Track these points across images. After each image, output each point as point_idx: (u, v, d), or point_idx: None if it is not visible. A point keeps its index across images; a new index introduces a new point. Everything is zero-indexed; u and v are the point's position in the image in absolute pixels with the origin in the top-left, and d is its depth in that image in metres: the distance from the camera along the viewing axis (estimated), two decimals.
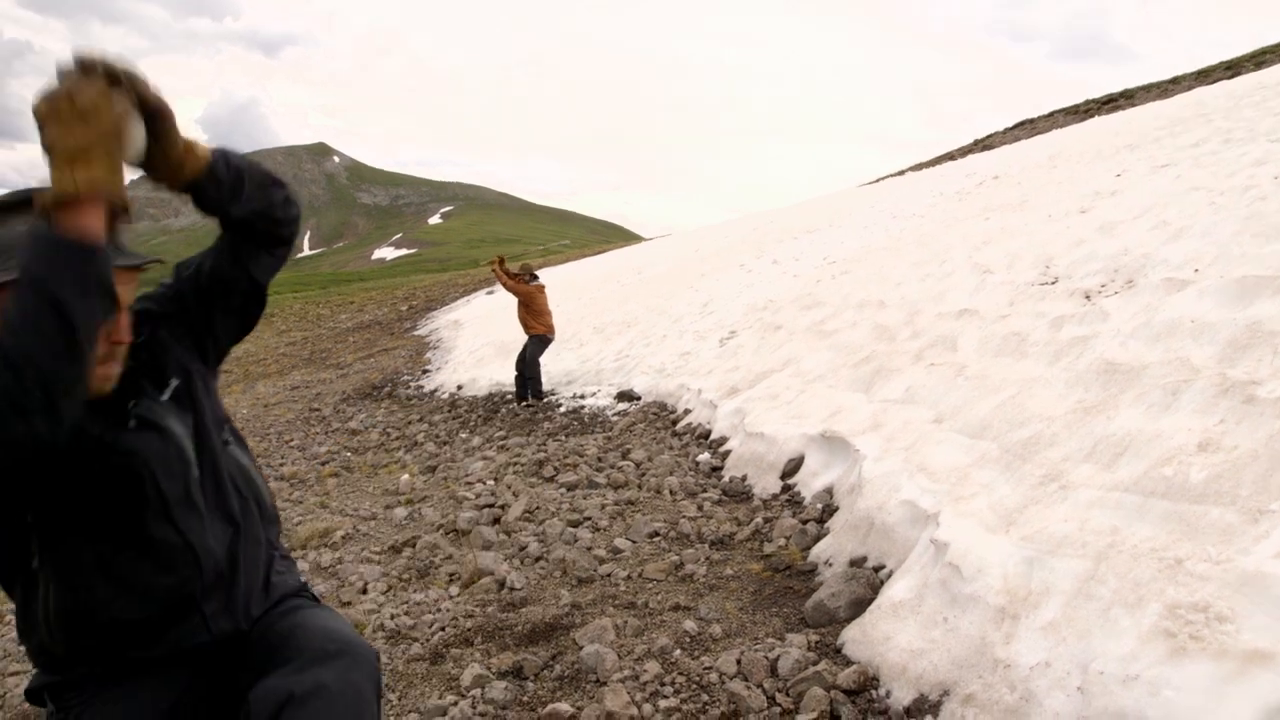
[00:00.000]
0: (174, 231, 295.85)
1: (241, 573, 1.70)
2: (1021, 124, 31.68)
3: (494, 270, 11.03)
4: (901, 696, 2.81)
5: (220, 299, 1.75)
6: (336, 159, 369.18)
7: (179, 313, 1.73)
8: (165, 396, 1.63)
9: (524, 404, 10.39)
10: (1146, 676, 2.20)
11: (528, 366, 10.54)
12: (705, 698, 3.06)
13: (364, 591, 4.65)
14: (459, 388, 13.20)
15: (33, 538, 1.50)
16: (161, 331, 1.68)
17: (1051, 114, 30.73)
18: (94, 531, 1.51)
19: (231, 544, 1.69)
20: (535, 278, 11.04)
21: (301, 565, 5.17)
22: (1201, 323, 3.96)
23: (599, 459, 6.84)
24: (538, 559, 4.70)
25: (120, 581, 1.53)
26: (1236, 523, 2.51)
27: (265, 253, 1.76)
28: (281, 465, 9.35)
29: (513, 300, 11.29)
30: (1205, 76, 23.94)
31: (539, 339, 10.74)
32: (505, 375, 12.65)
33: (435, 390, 13.49)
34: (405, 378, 15.47)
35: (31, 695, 1.68)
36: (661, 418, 8.00)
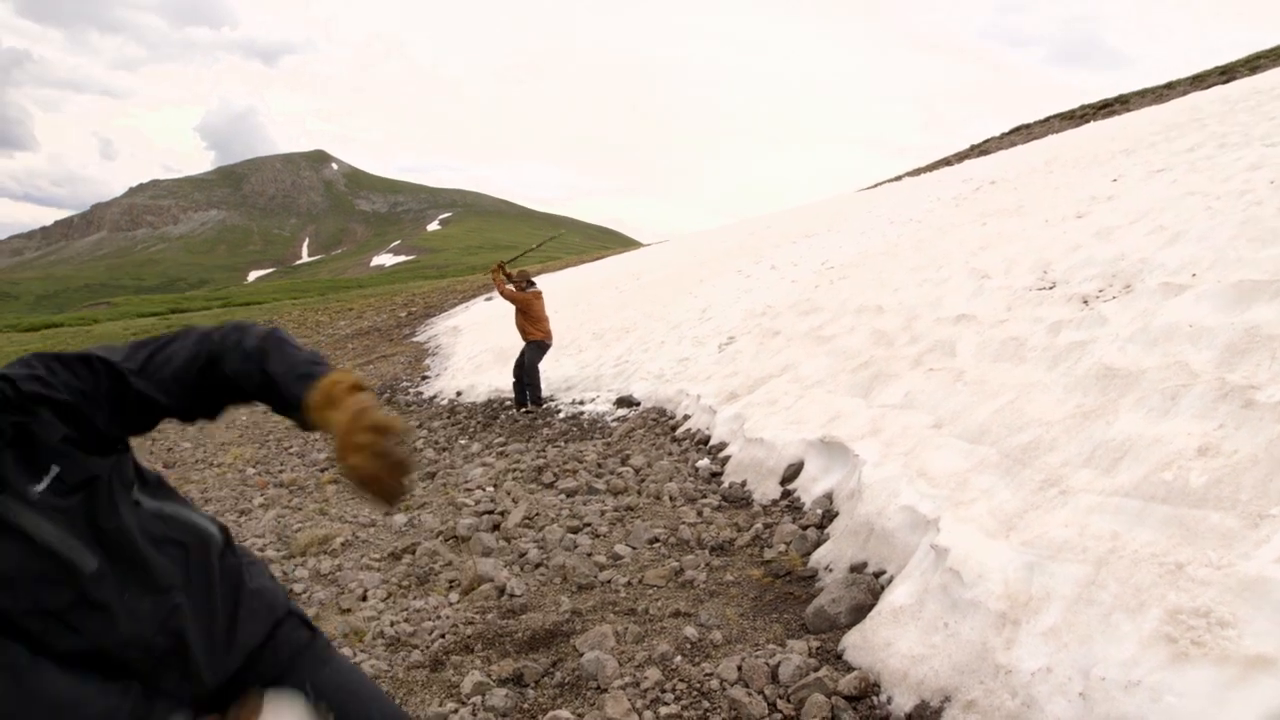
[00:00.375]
0: (172, 239, 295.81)
1: (192, 633, 1.51)
2: (1018, 129, 31.75)
3: (494, 276, 11.01)
4: (903, 703, 2.81)
5: (139, 407, 1.52)
6: (335, 166, 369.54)
7: (79, 401, 1.42)
8: (41, 487, 1.34)
9: (523, 410, 10.36)
10: (1148, 682, 2.20)
11: (526, 373, 10.50)
12: (706, 704, 3.06)
13: (363, 598, 4.64)
14: (458, 394, 13.20)
15: None
16: (42, 413, 1.36)
17: (1047, 119, 30.81)
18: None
19: (168, 615, 1.48)
20: (532, 284, 11.00)
21: (301, 572, 5.16)
22: (1199, 327, 3.96)
23: (598, 465, 6.83)
24: (537, 565, 4.70)
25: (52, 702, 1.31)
26: (1237, 527, 2.52)
27: (223, 403, 1.63)
28: (281, 472, 9.34)
29: (509, 309, 11.30)
30: (1200, 81, 24.02)
31: (537, 345, 10.72)
32: (504, 381, 12.65)
33: (434, 396, 13.48)
34: (404, 384, 15.46)
35: None
36: (661, 423, 8.00)
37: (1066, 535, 2.91)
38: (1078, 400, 3.94)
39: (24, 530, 1.30)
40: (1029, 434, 3.85)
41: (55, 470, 1.35)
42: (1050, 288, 6.05)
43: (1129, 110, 23.81)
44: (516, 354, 10.93)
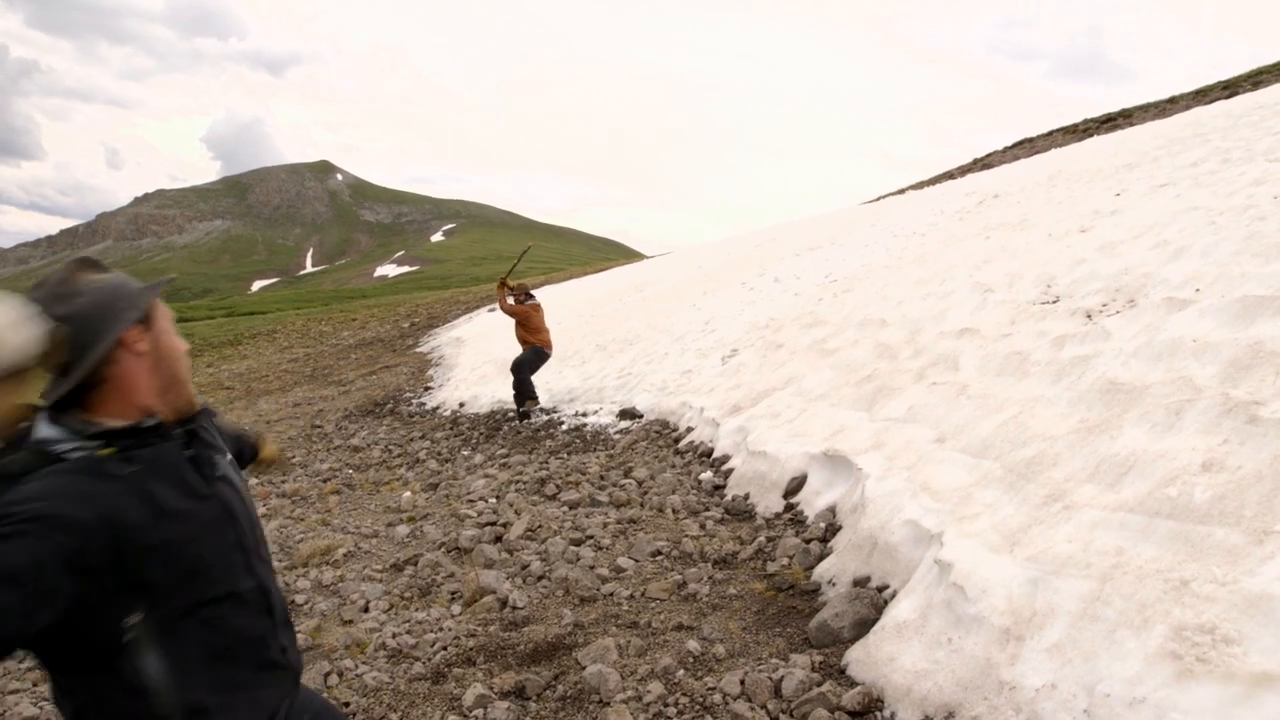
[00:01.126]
0: (177, 248, 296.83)
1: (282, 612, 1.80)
2: (1020, 143, 31.81)
3: (498, 292, 11.16)
4: (906, 718, 2.80)
5: None
6: (339, 176, 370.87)
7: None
8: (228, 458, 1.74)
9: (523, 417, 10.46)
10: (1153, 699, 2.19)
11: (521, 368, 10.67)
12: (709, 719, 3.05)
13: (365, 610, 4.63)
14: (461, 405, 13.19)
15: (130, 609, 1.42)
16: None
17: (1050, 133, 30.87)
18: (196, 589, 1.51)
19: (282, 597, 1.80)
20: (531, 296, 11.11)
21: (303, 583, 5.16)
22: (1203, 342, 3.96)
23: (601, 477, 6.83)
24: (540, 578, 4.69)
25: (225, 634, 1.56)
26: (1242, 543, 2.51)
27: None
28: (283, 482, 9.34)
29: (513, 320, 11.32)
30: (1203, 96, 24.07)
31: (534, 350, 10.88)
32: (507, 392, 12.65)
33: (437, 407, 13.48)
34: (407, 395, 15.47)
35: None
36: (664, 436, 7.99)
37: (1070, 551, 2.91)
38: (1081, 415, 3.94)
39: (235, 481, 1.70)
40: (1032, 449, 3.84)
41: (229, 455, 1.75)
42: (1054, 302, 6.06)
43: (1132, 124, 23.86)
44: (504, 373, 11.16)
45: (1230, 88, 23.31)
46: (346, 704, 3.53)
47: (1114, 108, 29.39)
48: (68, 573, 1.31)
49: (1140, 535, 2.81)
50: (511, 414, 11.20)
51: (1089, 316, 5.42)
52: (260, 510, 7.88)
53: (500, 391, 12.71)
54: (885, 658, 3.07)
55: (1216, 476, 2.85)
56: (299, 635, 4.29)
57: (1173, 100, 26.15)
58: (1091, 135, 25.20)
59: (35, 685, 4.16)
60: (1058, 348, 4.99)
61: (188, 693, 1.48)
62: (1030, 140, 31.41)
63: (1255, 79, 23.13)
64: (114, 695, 1.46)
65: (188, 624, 1.50)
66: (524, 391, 10.64)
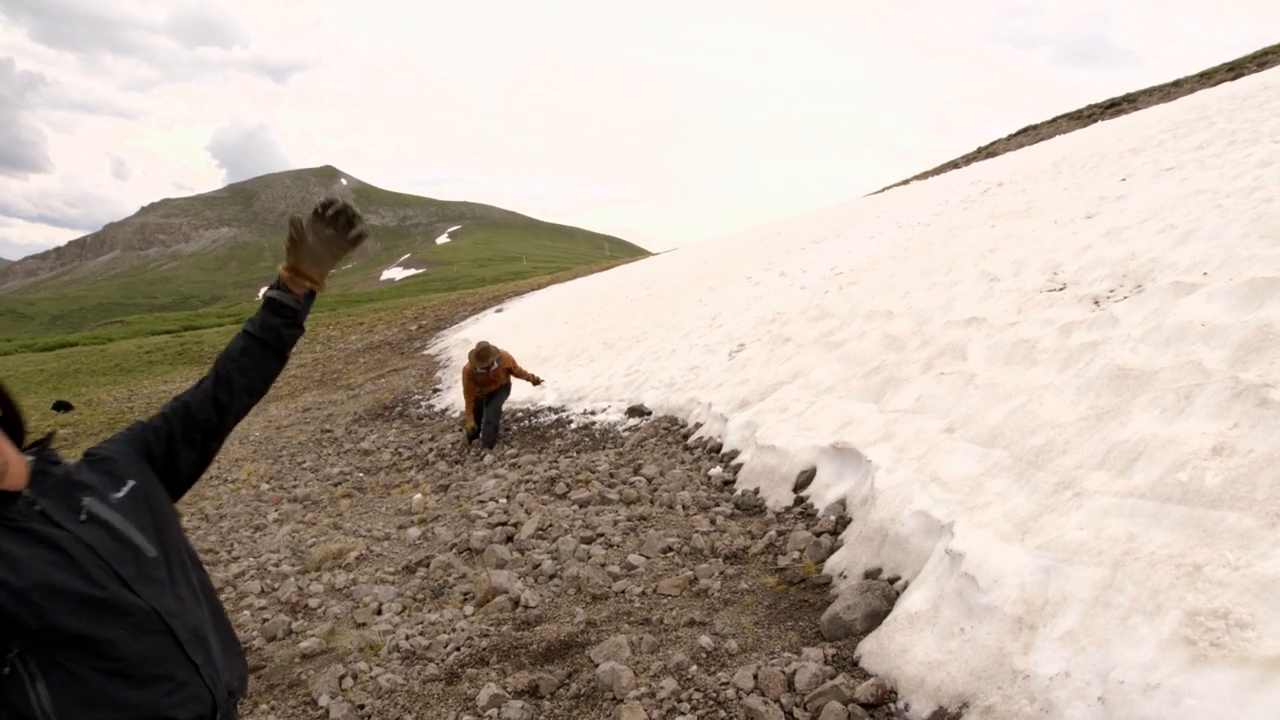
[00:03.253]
0: (184, 256, 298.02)
1: (213, 636, 1.81)
2: (1025, 130, 31.68)
3: (520, 374, 10.54)
4: (920, 709, 2.80)
5: (186, 434, 1.97)
6: (344, 181, 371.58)
7: (140, 444, 1.91)
8: (118, 495, 1.76)
9: (474, 441, 9.99)
10: (1167, 685, 2.18)
11: (498, 414, 10.11)
12: (723, 714, 3.05)
13: (379, 612, 4.65)
14: None
15: (5, 643, 1.51)
16: (116, 450, 1.86)
17: (1054, 119, 30.73)
18: (64, 622, 1.55)
19: (204, 608, 1.81)
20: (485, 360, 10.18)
21: (316, 587, 5.18)
22: (1212, 326, 3.94)
23: (611, 475, 6.83)
24: (551, 577, 4.70)
25: (112, 658, 1.59)
26: (1254, 527, 2.50)
27: (245, 399, 2.08)
28: (295, 487, 9.38)
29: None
30: (1208, 78, 23.92)
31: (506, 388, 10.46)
32: (514, 393, 12.67)
33: (446, 409, 13.50)
34: (416, 397, 15.50)
35: None
36: (672, 432, 7.99)
37: (1082, 538, 2.90)
38: (1090, 402, 3.92)
39: (106, 520, 1.70)
40: (1042, 437, 3.83)
41: (131, 484, 1.81)
42: (1061, 289, 6.03)
43: (1137, 109, 23.73)
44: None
45: (1235, 69, 23.16)
46: (361, 706, 3.54)
47: (1118, 93, 29.22)
48: None
49: (1152, 521, 2.80)
50: (520, 414, 11.22)
51: (1096, 303, 5.39)
52: (271, 515, 7.93)
53: (511, 393, 12.73)
54: (898, 649, 3.07)
55: (1227, 460, 2.83)
56: (312, 638, 4.31)
57: (1177, 83, 26.00)
58: (1096, 121, 25.07)
59: None
60: (1065, 335, 4.97)
61: (74, 715, 1.55)
62: (1035, 127, 31.27)
63: (1260, 60, 22.97)
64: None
65: (69, 652, 1.56)
66: (491, 438, 9.94)
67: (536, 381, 10.71)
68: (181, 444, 1.96)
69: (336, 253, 2.11)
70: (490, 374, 10.11)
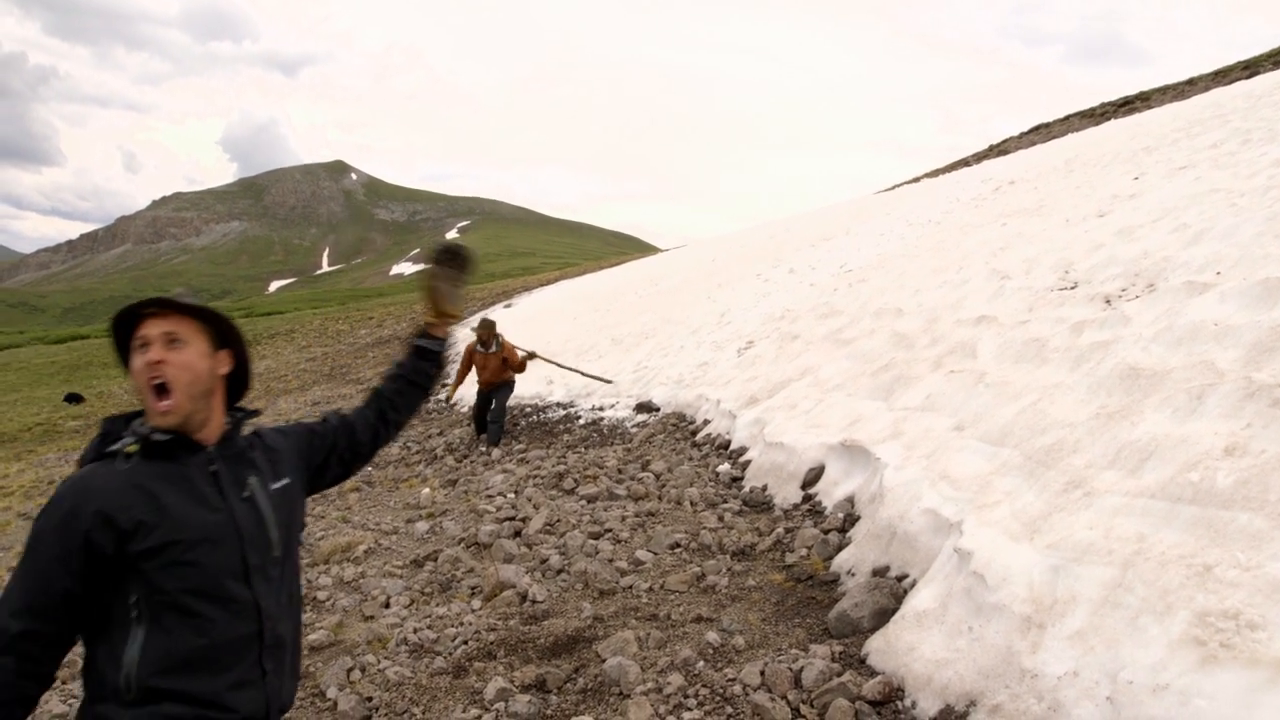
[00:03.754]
0: (195, 250, 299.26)
1: (289, 651, 1.85)
2: (1036, 128, 31.52)
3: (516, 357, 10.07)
4: (927, 707, 2.80)
5: (342, 452, 2.15)
6: (354, 176, 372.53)
7: (305, 448, 2.06)
8: (275, 486, 1.88)
9: (480, 442, 9.67)
10: (1177, 685, 2.18)
11: (504, 413, 9.81)
12: (729, 710, 3.05)
13: (387, 605, 4.67)
14: None
15: (132, 588, 1.65)
16: (283, 444, 2.00)
17: (1067, 118, 30.56)
18: (187, 584, 1.67)
19: (292, 620, 1.88)
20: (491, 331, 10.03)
21: (324, 580, 5.20)
22: (1225, 326, 3.92)
23: (619, 470, 6.84)
24: (559, 571, 4.71)
25: (201, 628, 1.67)
26: (1266, 528, 2.48)
27: (395, 431, 2.31)
28: None
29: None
30: (1222, 77, 23.75)
31: (511, 385, 10.13)
32: (523, 388, 12.68)
33: (455, 404, 13.53)
34: None
35: None
36: (681, 428, 7.99)
37: (1092, 537, 2.89)
38: (1101, 401, 3.90)
39: (261, 506, 1.82)
40: (1052, 436, 3.81)
41: (286, 481, 1.93)
42: (1072, 288, 6.01)
43: (1150, 107, 23.58)
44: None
45: (1251, 68, 22.99)
46: (369, 698, 3.56)
47: (1131, 91, 29.04)
48: (79, 551, 1.60)
49: (1162, 521, 2.79)
50: (528, 409, 11.23)
51: (1108, 302, 5.37)
52: None
53: (518, 388, 12.75)
54: (905, 647, 3.06)
55: (1239, 461, 2.82)
56: (321, 631, 4.33)
57: (1191, 82, 25.82)
58: (1109, 119, 24.92)
59: (64, 683, 4.22)
60: (1076, 334, 4.95)
61: (149, 674, 1.63)
62: (1046, 125, 31.11)
63: (1277, 58, 22.79)
64: (104, 664, 1.65)
65: (171, 616, 1.65)
66: (496, 437, 9.64)
67: (531, 355, 10.38)
68: (335, 459, 2.13)
69: (462, 284, 2.39)
70: (488, 356, 9.80)
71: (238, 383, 1.93)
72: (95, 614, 1.65)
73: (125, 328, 1.78)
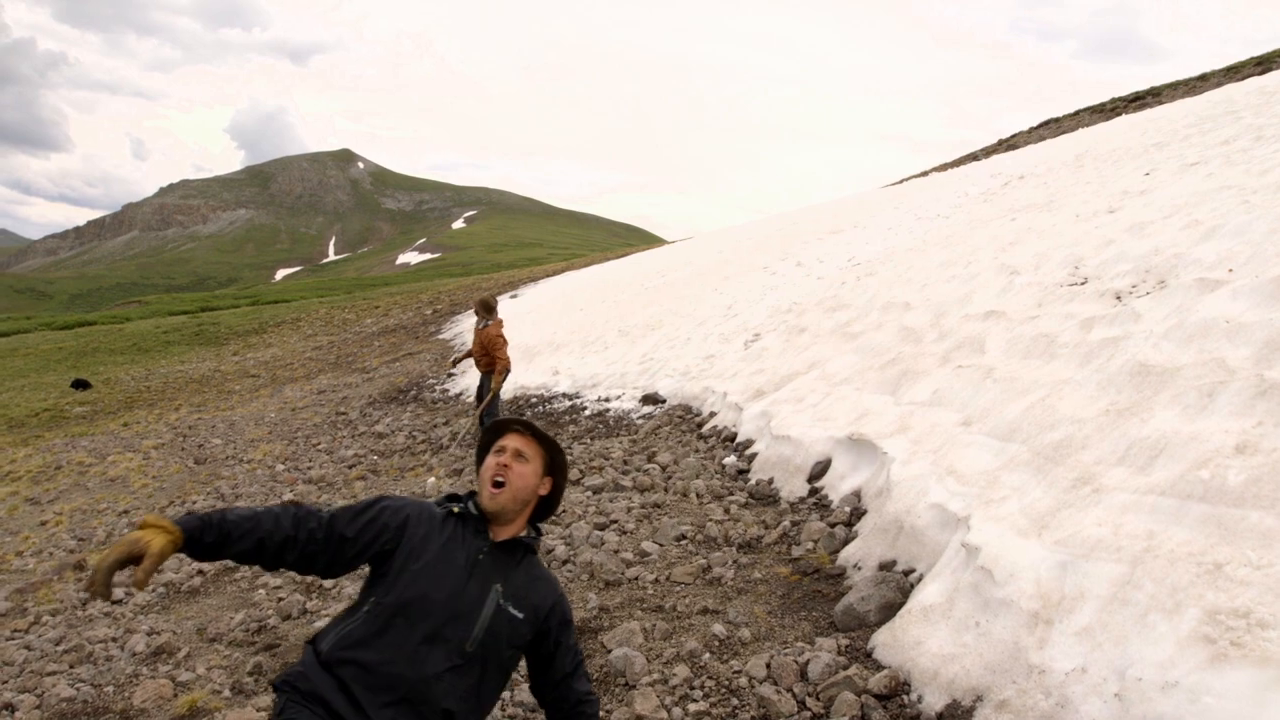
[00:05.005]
0: (202, 238, 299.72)
1: (431, 702, 2.04)
2: (1046, 123, 31.37)
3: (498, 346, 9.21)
4: (934, 702, 2.79)
5: (542, 685, 2.39)
6: (361, 165, 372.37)
7: (544, 637, 2.30)
8: (509, 608, 2.18)
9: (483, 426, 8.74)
10: (1186, 683, 2.17)
11: (494, 405, 9.14)
12: (735, 702, 3.05)
13: None
14: None
15: (375, 590, 2.13)
16: (542, 604, 2.27)
17: (1077, 113, 30.41)
18: (397, 602, 2.08)
19: (449, 681, 2.07)
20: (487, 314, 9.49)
21: None
22: (1236, 323, 3.90)
23: (625, 462, 6.84)
24: (565, 562, 4.72)
25: (384, 641, 2.04)
26: (1277, 526, 2.47)
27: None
28: (310, 468, 9.44)
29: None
30: (1235, 73, 23.60)
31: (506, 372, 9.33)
32: (529, 378, 12.70)
33: (460, 394, 13.55)
34: (430, 381, 15.57)
35: (274, 684, 2.13)
36: (687, 420, 7.99)
37: (1100, 534, 2.88)
38: (1111, 397, 3.89)
39: (485, 592, 2.17)
40: (1060, 432, 3.80)
41: (519, 614, 2.21)
42: (1082, 284, 5.98)
43: (1161, 103, 23.44)
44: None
45: (1264, 64, 22.83)
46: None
47: (1142, 87, 28.87)
48: (373, 522, 2.17)
49: (1172, 518, 2.78)
50: (534, 400, 11.24)
51: (1118, 298, 5.34)
52: (286, 496, 7.99)
53: (523, 378, 12.76)
54: (912, 641, 3.06)
55: (1250, 459, 2.81)
56: (327, 618, 4.34)
57: (1204, 77, 25.66)
58: (1120, 114, 24.79)
59: (72, 667, 4.24)
60: (1086, 330, 4.93)
61: (343, 647, 2.05)
62: (1056, 120, 30.96)
63: None
64: (352, 612, 2.13)
65: (376, 619, 2.07)
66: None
67: (492, 388, 8.99)
68: (542, 678, 2.36)
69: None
70: (480, 331, 9.20)
71: (546, 506, 2.41)
72: (338, 571, 2.20)
73: (490, 435, 2.39)
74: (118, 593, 5.43)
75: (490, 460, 2.31)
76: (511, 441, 2.32)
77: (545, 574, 2.35)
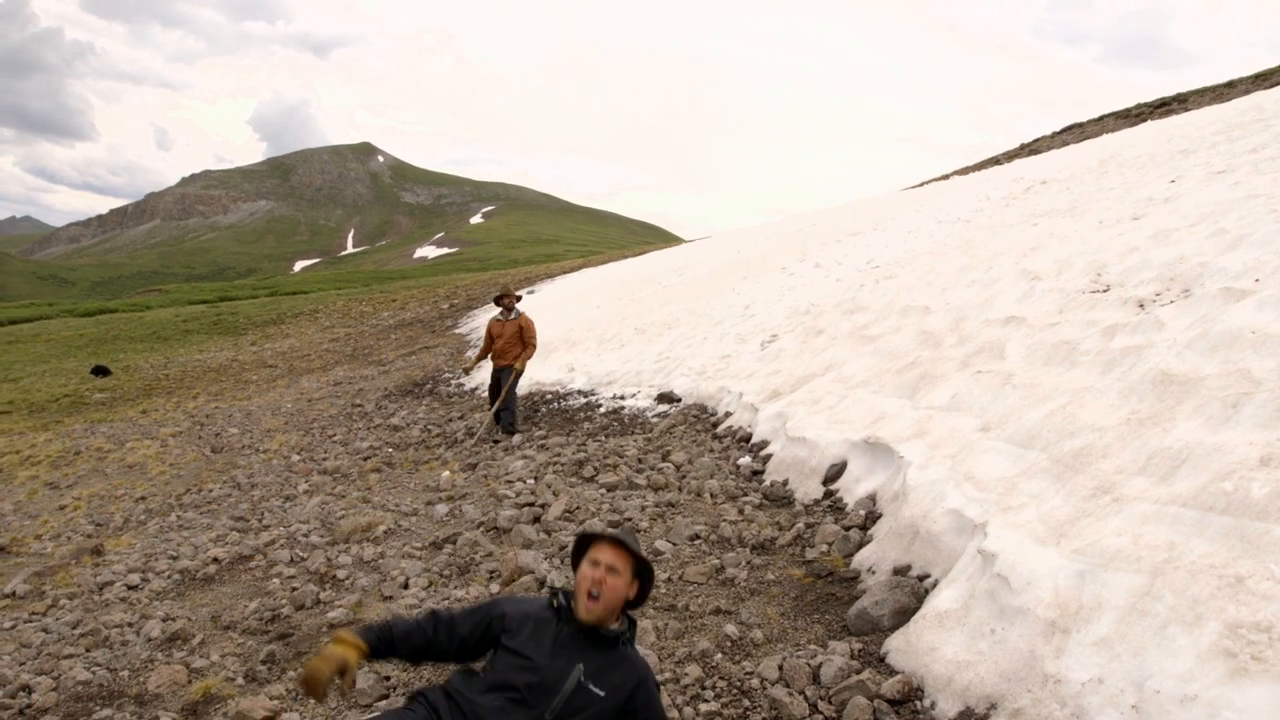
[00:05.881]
0: (222, 228, 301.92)
1: None
2: (1069, 128, 31.09)
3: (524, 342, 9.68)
4: (947, 708, 2.78)
5: None
6: (380, 158, 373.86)
7: (624, 710, 2.51)
8: (592, 686, 2.44)
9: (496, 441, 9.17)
10: (1205, 697, 2.14)
11: (513, 399, 9.52)
12: (746, 703, 3.05)
13: (405, 586, 4.70)
14: None
15: (492, 660, 2.57)
16: (624, 694, 2.50)
17: (1101, 118, 30.12)
18: (500, 675, 2.46)
19: None
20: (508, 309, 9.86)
21: (344, 558, 5.24)
22: (1263, 334, 3.85)
23: (639, 460, 6.84)
24: None
25: (490, 700, 2.42)
26: None
27: None
28: (325, 459, 9.49)
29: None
30: (1263, 80, 23.31)
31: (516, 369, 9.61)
32: (545, 375, 12.72)
33: (476, 389, 13.59)
34: (446, 375, 15.62)
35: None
36: (702, 420, 7.98)
37: (1120, 544, 2.85)
38: (1133, 406, 3.85)
39: (563, 672, 2.46)
40: (1081, 440, 3.77)
41: (601, 693, 2.45)
42: (1104, 291, 5.92)
43: (1188, 110, 23.19)
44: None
45: None
46: (387, 677, 3.59)
47: (1169, 93, 28.57)
48: (483, 621, 2.61)
49: (1193, 530, 2.75)
50: (549, 396, 11.25)
51: (1141, 306, 5.29)
52: (301, 487, 8.04)
53: (538, 374, 12.78)
54: (926, 647, 3.04)
55: (1275, 472, 2.77)
56: (340, 609, 4.37)
57: (1231, 84, 25.36)
58: (1145, 120, 24.53)
59: (88, 651, 4.28)
60: (1108, 338, 4.88)
61: (478, 692, 2.45)
62: (1080, 125, 30.68)
63: None
64: (470, 675, 2.56)
65: (491, 688, 2.46)
66: (511, 424, 9.44)
67: (517, 369, 9.49)
68: None
69: None
70: (505, 324, 9.58)
71: (635, 601, 2.66)
72: (469, 658, 2.64)
73: (586, 541, 2.66)
74: (133, 579, 5.48)
75: (586, 571, 2.58)
76: (605, 555, 2.59)
77: (634, 656, 2.60)
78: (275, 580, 5.10)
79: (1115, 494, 3.23)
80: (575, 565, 2.68)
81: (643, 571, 2.66)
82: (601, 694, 2.43)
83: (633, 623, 2.67)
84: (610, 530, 2.64)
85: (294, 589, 4.86)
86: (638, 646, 3.43)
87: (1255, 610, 2.29)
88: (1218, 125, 14.01)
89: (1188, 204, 7.91)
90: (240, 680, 3.80)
